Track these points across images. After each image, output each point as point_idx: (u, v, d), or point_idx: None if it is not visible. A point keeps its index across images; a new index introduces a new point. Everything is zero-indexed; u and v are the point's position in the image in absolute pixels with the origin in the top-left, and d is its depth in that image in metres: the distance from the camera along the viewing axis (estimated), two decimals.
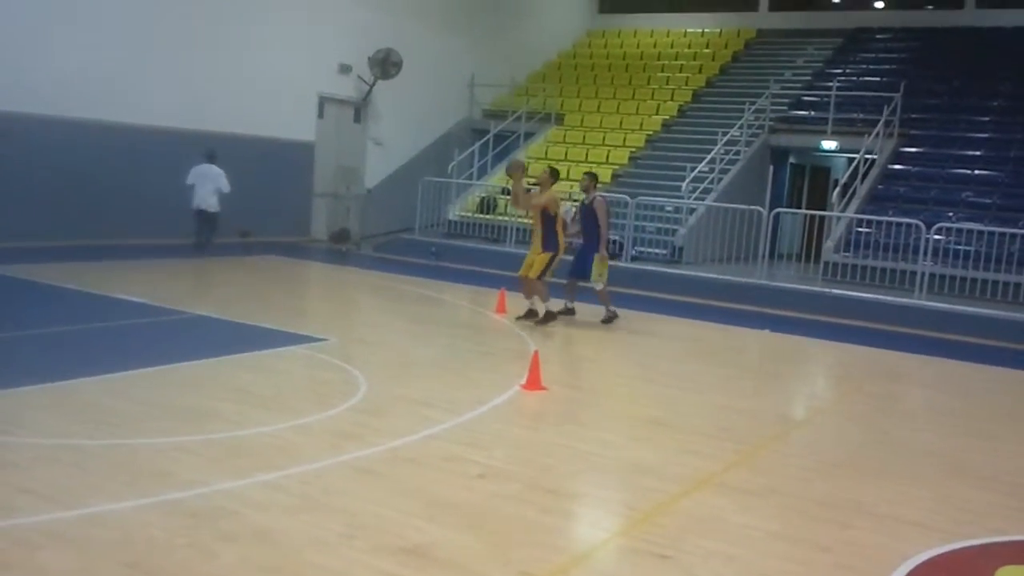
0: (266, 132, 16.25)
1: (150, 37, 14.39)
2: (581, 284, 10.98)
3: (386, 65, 18.06)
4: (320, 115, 17.80)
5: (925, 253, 13.33)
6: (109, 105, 13.86)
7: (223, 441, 5.41)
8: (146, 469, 4.81)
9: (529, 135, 20.12)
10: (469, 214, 17.92)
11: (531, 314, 10.42)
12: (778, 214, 15.23)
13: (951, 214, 14.82)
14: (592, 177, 11.12)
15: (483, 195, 18.22)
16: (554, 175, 10.55)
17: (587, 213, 10.82)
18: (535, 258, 10.30)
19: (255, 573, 3.74)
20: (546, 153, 18.90)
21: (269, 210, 16.54)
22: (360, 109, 18.65)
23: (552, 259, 10.30)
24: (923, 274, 13.23)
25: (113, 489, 4.49)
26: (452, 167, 18.24)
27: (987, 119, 17.79)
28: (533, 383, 7.26)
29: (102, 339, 8.10)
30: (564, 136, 19.97)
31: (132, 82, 14.16)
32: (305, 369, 7.74)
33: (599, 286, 10.72)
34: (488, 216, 17.55)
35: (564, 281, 11.17)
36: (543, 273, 10.29)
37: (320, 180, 17.79)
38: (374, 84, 18.24)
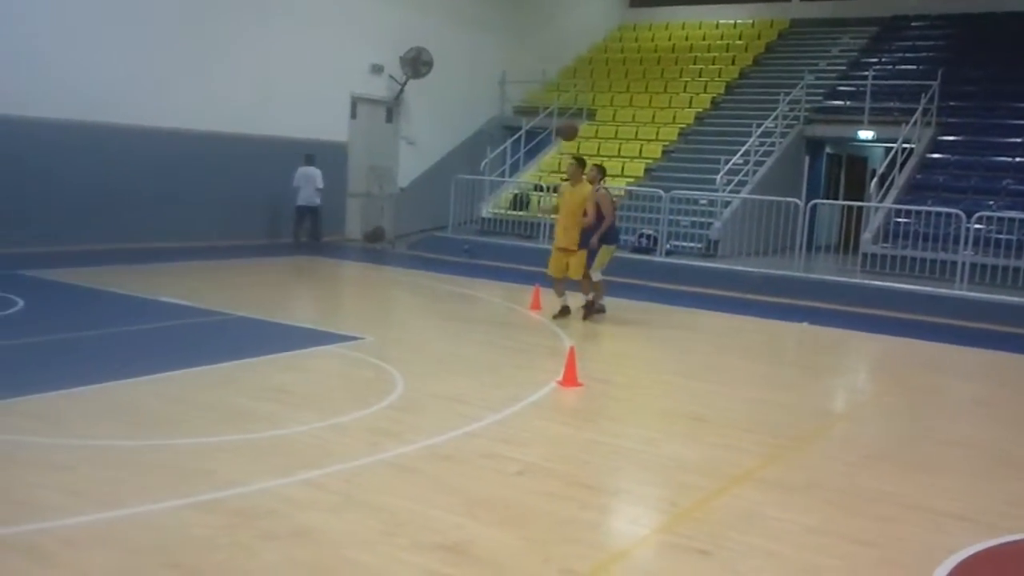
0: (300, 134, 16.36)
1: (182, 42, 14.56)
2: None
3: (417, 64, 18.11)
4: (353, 115, 17.89)
5: (965, 243, 13.12)
6: (144, 110, 14.04)
7: (263, 440, 5.46)
8: (187, 469, 4.86)
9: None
10: (502, 211, 17.93)
11: (590, 307, 10.49)
12: (815, 205, 15.07)
13: (991, 203, 14.56)
14: (600, 169, 10.78)
15: (516, 192, 18.21)
16: (582, 164, 10.46)
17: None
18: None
19: (296, 571, 3.77)
20: (578, 148, 18.78)
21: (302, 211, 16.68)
22: (392, 109, 18.73)
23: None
24: (963, 264, 13.02)
25: (155, 489, 4.55)
26: (484, 164, 18.25)
27: None
28: (569, 379, 7.25)
29: (143, 341, 8.20)
30: (596, 131, 19.89)
31: (166, 87, 14.33)
32: (342, 368, 7.79)
33: (596, 276, 10.48)
34: (521, 213, 17.54)
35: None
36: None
37: (354, 180, 17.88)
38: (406, 83, 18.30)
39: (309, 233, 16.26)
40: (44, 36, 12.83)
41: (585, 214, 10.12)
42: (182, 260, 13.20)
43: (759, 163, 16.89)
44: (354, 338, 8.60)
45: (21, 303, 9.14)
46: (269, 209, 16.13)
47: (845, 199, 18.11)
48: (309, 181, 15.91)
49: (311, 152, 16.16)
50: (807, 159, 16.45)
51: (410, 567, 3.86)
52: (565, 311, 10.39)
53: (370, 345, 8.45)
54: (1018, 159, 16.00)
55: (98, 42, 13.45)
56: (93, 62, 13.32)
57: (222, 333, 8.80)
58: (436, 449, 5.48)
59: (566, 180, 10.61)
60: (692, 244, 15.66)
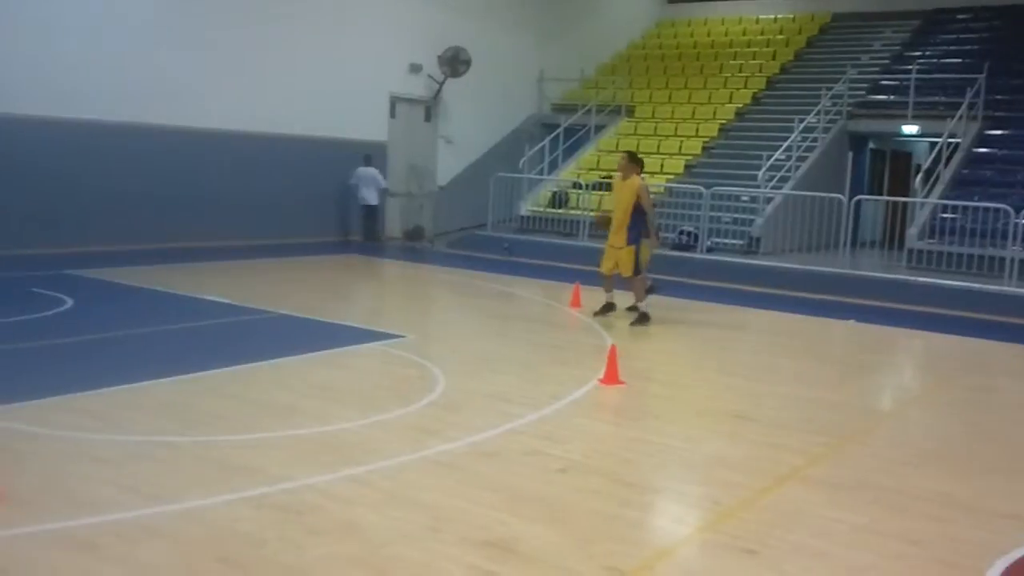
0: (340, 134, 16.49)
1: (224, 43, 14.71)
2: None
3: (455, 63, 18.16)
4: (392, 115, 17.98)
5: (1013, 238, 12.87)
6: (188, 112, 14.21)
7: (308, 437, 5.51)
8: (235, 464, 4.92)
9: (600, 128, 20.01)
10: (541, 209, 17.92)
11: (641, 316, 10.13)
12: (859, 201, 14.87)
13: None
14: (638, 162, 10.74)
15: (555, 190, 18.19)
16: (633, 158, 10.19)
17: None
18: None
19: (343, 566, 3.80)
20: (617, 146, 18.77)
21: (344, 210, 16.82)
22: (431, 108, 18.79)
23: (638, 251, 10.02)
24: (1012, 260, 12.77)
25: (204, 484, 4.61)
26: (523, 162, 18.26)
27: None
28: (611, 377, 7.22)
29: (189, 339, 8.32)
30: (635, 128, 19.82)
31: (207, 88, 14.49)
32: (384, 365, 7.83)
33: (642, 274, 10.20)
34: (560, 211, 17.51)
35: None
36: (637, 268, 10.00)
37: (393, 179, 17.97)
38: (444, 82, 18.36)
39: (367, 229, 16.80)
40: (96, 40, 13.07)
41: (642, 208, 9.88)
42: (225, 259, 13.35)
43: (801, 159, 16.71)
44: (396, 336, 8.65)
45: (70, 302, 9.31)
46: (310, 208, 16.25)
47: (889, 195, 17.85)
48: (370, 181, 16.48)
49: (368, 153, 16.76)
50: (850, 154, 16.23)
51: (455, 563, 3.87)
52: (608, 308, 10.30)
53: (412, 343, 8.49)
54: None
55: (145, 46, 13.64)
56: (140, 65, 13.51)
57: (266, 331, 8.89)
58: (479, 446, 5.50)
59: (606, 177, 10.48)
60: (734, 241, 15.53)
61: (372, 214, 16.81)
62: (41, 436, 5.21)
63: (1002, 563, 4.19)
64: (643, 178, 10.27)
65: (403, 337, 8.65)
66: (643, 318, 10.05)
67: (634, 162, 10.15)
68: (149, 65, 13.65)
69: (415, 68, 18.06)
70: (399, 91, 17.99)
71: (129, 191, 13.52)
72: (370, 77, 17.16)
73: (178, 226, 14.12)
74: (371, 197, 16.59)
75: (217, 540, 3.98)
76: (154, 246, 13.52)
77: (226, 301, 9.90)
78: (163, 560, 3.78)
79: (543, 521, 4.39)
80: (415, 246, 17.39)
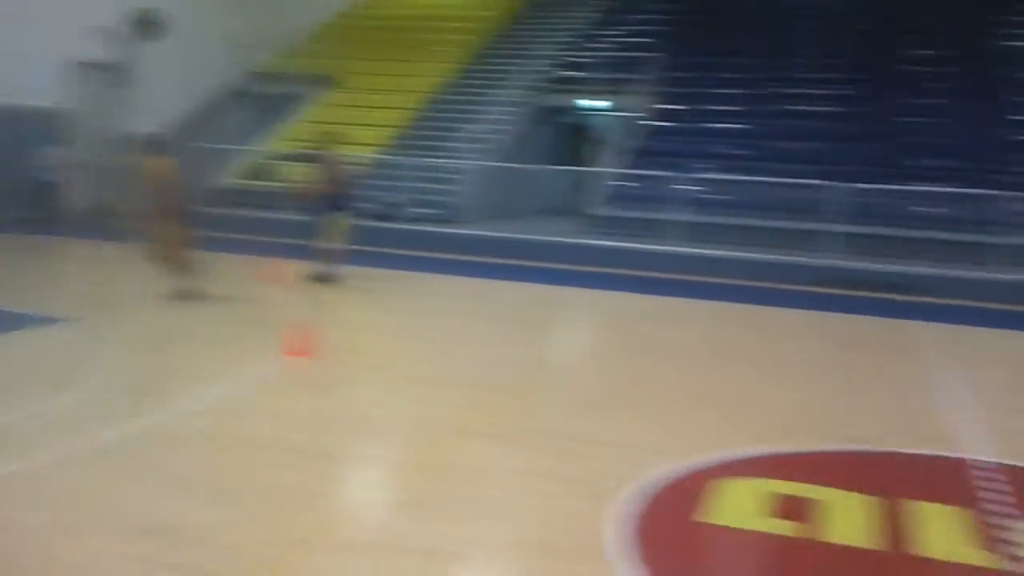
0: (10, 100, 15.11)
1: None
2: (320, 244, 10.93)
3: (146, 25, 17.11)
4: (76, 81, 16.63)
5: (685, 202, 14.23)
6: None
7: None
8: None
9: (303, 98, 19.63)
10: (242, 181, 17.37)
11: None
12: (553, 172, 15.67)
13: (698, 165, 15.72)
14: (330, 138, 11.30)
15: (262, 161, 17.67)
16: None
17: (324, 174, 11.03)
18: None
19: None
20: (323, 117, 18.56)
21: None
22: (119, 73, 17.56)
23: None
24: (674, 222, 14.12)
25: None
26: (221, 132, 17.55)
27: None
28: (298, 350, 7.22)
29: None
30: (341, 99, 19.63)
31: None
32: (40, 351, 7.35)
33: (329, 244, 10.79)
34: (262, 182, 17.06)
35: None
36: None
37: (77, 149, 16.70)
38: (134, 46, 17.20)
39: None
40: None
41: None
42: None
43: (499, 132, 17.34)
44: (57, 319, 8.12)
45: None
46: None
47: (577, 166, 18.87)
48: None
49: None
50: (544, 128, 17.05)
51: (119, 557, 3.78)
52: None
53: (75, 326, 8.01)
54: (736, 125, 17.30)
55: None
56: None
57: None
58: (151, 432, 5.34)
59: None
60: (436, 211, 15.90)
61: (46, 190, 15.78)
62: None
63: (635, 487, 4.69)
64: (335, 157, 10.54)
65: (65, 321, 8.15)
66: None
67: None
68: None
69: (102, 31, 16.75)
70: (84, 55, 16.65)
71: None
72: (49, 39, 15.73)
73: None
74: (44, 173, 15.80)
75: None
76: None
77: None
78: None
79: (215, 501, 4.35)
80: (102, 222, 16.26)
